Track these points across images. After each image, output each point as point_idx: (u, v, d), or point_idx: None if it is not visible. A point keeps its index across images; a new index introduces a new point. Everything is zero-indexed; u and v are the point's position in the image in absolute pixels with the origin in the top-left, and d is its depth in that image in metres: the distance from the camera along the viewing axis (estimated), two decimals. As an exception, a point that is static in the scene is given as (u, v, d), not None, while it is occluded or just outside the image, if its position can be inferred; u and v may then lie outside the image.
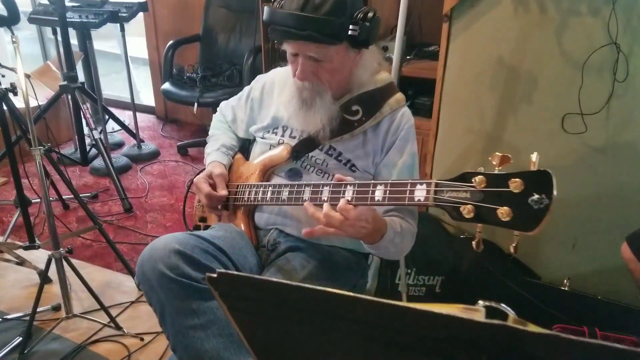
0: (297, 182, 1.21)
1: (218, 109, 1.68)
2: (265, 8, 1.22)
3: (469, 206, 0.86)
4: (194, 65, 3.55)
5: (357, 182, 1.09)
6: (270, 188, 1.28)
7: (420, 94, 2.42)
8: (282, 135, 1.40)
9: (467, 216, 0.86)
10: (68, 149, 3.55)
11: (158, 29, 4.02)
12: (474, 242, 0.90)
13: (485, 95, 1.96)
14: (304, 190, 1.17)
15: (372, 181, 1.06)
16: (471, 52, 1.93)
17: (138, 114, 3.67)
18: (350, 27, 1.16)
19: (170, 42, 3.51)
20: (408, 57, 2.52)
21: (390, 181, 1.03)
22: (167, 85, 3.39)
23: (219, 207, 1.43)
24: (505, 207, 0.83)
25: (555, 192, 0.80)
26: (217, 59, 3.50)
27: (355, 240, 1.31)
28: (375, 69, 1.34)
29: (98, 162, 3.29)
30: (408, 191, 0.99)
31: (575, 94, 1.79)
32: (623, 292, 1.89)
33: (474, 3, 1.83)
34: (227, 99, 1.69)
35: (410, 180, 1.00)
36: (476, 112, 2.00)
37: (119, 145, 3.74)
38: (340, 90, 1.31)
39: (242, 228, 1.39)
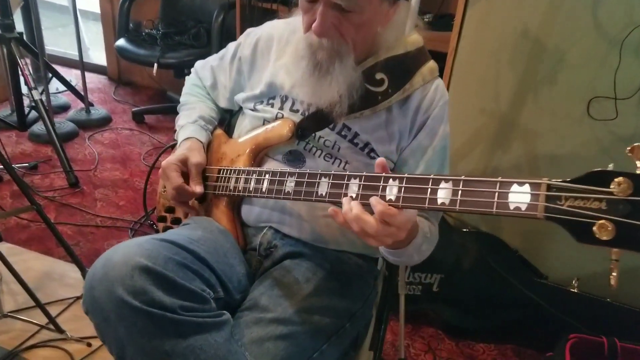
0: (305, 171, 0.91)
1: (193, 69, 1.35)
2: None
3: (607, 223, 0.59)
4: (153, 21, 3.14)
5: (364, 174, 0.83)
6: (268, 176, 0.98)
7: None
8: (281, 108, 1.09)
9: (602, 237, 0.58)
10: (3, 111, 3.08)
11: (112, -23, 3.55)
12: (611, 278, 0.62)
13: (503, 71, 1.71)
14: (319, 182, 0.87)
15: (435, 175, 0.75)
16: (491, 21, 1.67)
17: (87, 74, 3.24)
18: None
19: (126, -8, 3.08)
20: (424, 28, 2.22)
21: (464, 176, 0.72)
22: (122, 42, 2.97)
23: (190, 202, 1.13)
24: None
25: None
26: (181, 15, 3.09)
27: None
28: (407, 30, 1.05)
29: (38, 127, 2.86)
30: (498, 194, 0.67)
31: (606, 75, 1.57)
32: (635, 295, 1.73)
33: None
34: (192, 61, 1.36)
35: (499, 179, 0.68)
36: (491, 90, 1.75)
37: (64, 108, 3.30)
38: (363, 53, 1.01)
39: (226, 225, 1.09)
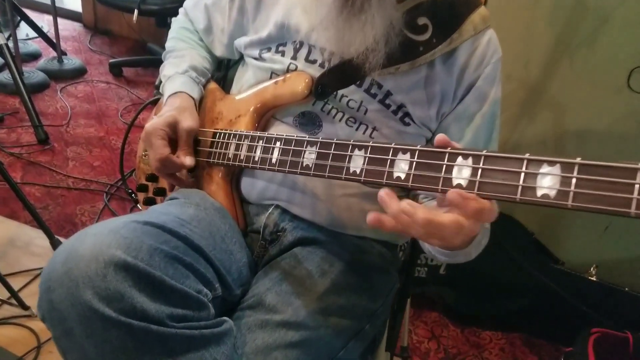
0: (330, 139, 0.71)
1: (181, 10, 1.12)
2: None
3: None
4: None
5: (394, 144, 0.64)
6: (279, 144, 0.77)
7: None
8: (294, 58, 0.88)
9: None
10: (-35, 55, 2.77)
11: None
12: None
13: (537, 31, 1.51)
14: (351, 156, 0.67)
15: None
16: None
17: (60, 20, 2.96)
18: None
19: None
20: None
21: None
22: (98, -16, 2.67)
23: (178, 174, 0.92)
24: None
25: None
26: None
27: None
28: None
29: (5, 76, 2.58)
30: (522, 175, 0.53)
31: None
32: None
33: None
34: (176, 8, 1.13)
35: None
36: (521, 54, 1.55)
37: (34, 56, 3.00)
38: None
39: (222, 202, 0.89)
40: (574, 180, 0.49)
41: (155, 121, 0.88)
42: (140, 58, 3.09)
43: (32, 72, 2.74)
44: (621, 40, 1.43)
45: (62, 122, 2.42)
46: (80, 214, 1.86)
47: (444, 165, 0.59)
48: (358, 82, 0.84)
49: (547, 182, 0.51)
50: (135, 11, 2.49)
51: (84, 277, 0.58)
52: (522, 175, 0.53)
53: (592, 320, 1.60)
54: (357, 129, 0.86)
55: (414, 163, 0.61)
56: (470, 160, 0.57)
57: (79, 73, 2.90)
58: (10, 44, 2.43)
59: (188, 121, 0.89)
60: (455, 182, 0.57)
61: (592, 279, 1.67)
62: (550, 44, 1.51)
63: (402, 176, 0.62)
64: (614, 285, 1.64)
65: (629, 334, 1.43)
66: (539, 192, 0.51)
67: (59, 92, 2.66)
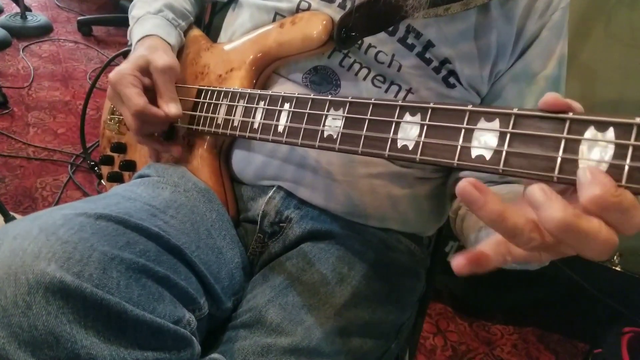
0: (359, 98, 0.50)
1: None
2: None
3: None
4: None
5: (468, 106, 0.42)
6: (287, 105, 0.56)
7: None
8: (306, -5, 0.66)
9: None
10: None
11: None
12: None
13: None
14: (398, 123, 0.47)
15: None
16: None
17: (24, -28, 2.64)
18: None
19: None
20: None
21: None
22: None
23: (158, 134, 0.71)
24: None
25: None
26: None
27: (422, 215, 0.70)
28: None
29: (-42, 30, 2.30)
30: (563, 143, 0.37)
31: None
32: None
33: None
34: None
35: (571, 115, 0.37)
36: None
37: (-6, 11, 2.71)
38: None
39: (208, 181, 0.68)
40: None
41: (120, 67, 0.66)
42: (112, 16, 2.82)
43: (-9, 29, 2.46)
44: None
45: (23, 84, 2.15)
46: (41, 187, 1.62)
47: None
48: (391, 29, 0.63)
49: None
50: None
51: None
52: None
53: (617, 316, 1.45)
54: (386, 90, 0.66)
55: (508, 134, 0.41)
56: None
57: (44, 31, 2.63)
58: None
59: (163, 58, 0.67)
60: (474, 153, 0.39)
61: (616, 268, 1.52)
62: (584, 3, 1.32)
63: (488, 155, 0.42)
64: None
65: None
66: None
67: (21, 51, 2.39)
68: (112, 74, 0.66)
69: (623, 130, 0.35)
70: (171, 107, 0.66)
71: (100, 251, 0.42)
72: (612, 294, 1.49)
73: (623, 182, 0.33)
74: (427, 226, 0.75)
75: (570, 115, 0.37)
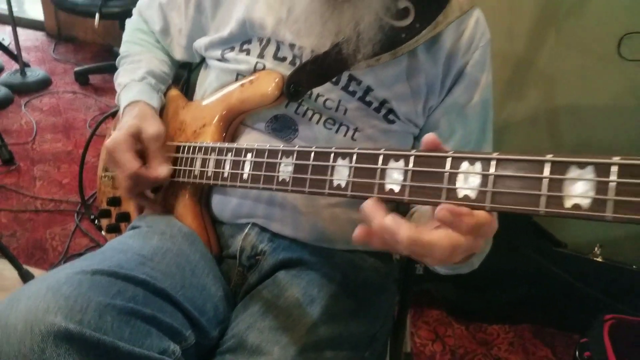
0: (308, 148, 0.60)
1: (135, 10, 1.00)
2: None
3: None
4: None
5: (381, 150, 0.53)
6: (250, 156, 0.66)
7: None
8: (261, 56, 0.77)
9: None
10: None
11: None
12: None
13: (521, 4, 1.41)
14: (334, 167, 0.57)
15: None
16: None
17: (21, 30, 2.80)
18: None
19: None
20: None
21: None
22: (56, -10, 2.52)
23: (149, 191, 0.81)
24: None
25: None
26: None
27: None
28: None
29: (-36, 94, 2.44)
30: (546, 183, 0.42)
31: (645, 5, 1.30)
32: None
33: None
34: None
35: (551, 157, 0.42)
36: (503, 28, 1.46)
37: (-5, 70, 2.84)
38: None
39: (191, 225, 0.78)
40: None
41: (115, 135, 0.76)
42: (107, 64, 2.93)
43: (-7, 88, 2.59)
44: (609, 6, 1.34)
45: (27, 139, 2.27)
46: (51, 238, 1.73)
47: (447, 174, 0.48)
48: (334, 79, 0.73)
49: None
50: (97, 15, 2.35)
51: (17, 356, 0.47)
52: (546, 182, 0.43)
53: (604, 305, 1.52)
54: (337, 131, 0.75)
55: (410, 172, 0.51)
56: (478, 166, 0.47)
57: (43, 85, 2.75)
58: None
59: (153, 126, 0.77)
60: (461, 193, 0.47)
61: (597, 259, 1.59)
62: (535, 15, 1.41)
63: (397, 188, 0.52)
64: (622, 264, 1.56)
65: None
66: (568, 203, 0.41)
67: (23, 107, 2.52)
68: (109, 142, 0.76)
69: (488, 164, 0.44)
70: (161, 170, 0.75)
71: (96, 301, 0.52)
72: (596, 284, 1.56)
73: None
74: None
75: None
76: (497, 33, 1.46)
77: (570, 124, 1.51)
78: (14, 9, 2.66)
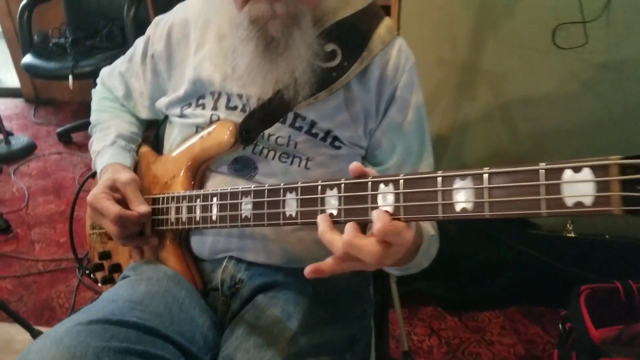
0: (262, 186, 0.70)
1: (98, 80, 1.10)
2: None
3: None
4: (60, 28, 2.80)
5: (320, 182, 0.63)
6: (216, 200, 0.76)
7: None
8: (215, 108, 0.87)
9: None
10: None
11: (3, -12, 3.16)
12: None
13: (457, 11, 1.52)
14: (284, 200, 0.66)
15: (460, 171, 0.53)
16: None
17: (1, 100, 2.88)
18: None
19: (23, 2, 2.71)
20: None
21: (485, 170, 0.50)
22: (29, 59, 2.64)
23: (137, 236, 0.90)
24: None
25: None
26: (89, 15, 2.75)
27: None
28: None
29: (-47, 172, 2.53)
30: (544, 188, 0.46)
31: (572, -1, 1.41)
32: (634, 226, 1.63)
33: None
34: (110, 63, 1.11)
35: (545, 166, 0.46)
36: (446, 37, 1.57)
37: (-20, 144, 2.94)
38: (316, 12, 0.80)
39: (175, 267, 0.87)
40: (486, 191, 0.49)
41: (93, 190, 0.86)
42: (87, 120, 2.98)
43: (-19, 161, 2.69)
44: (539, 1, 1.45)
45: (20, 205, 2.36)
46: (57, 296, 1.81)
47: (369, 195, 0.58)
48: (282, 119, 0.83)
49: (463, 197, 0.51)
50: (70, 77, 2.46)
51: None
52: (440, 193, 0.52)
53: (582, 278, 1.60)
54: (291, 163, 0.85)
55: (342, 197, 0.61)
56: (391, 186, 0.56)
57: (29, 150, 2.85)
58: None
59: (125, 175, 0.87)
60: (383, 209, 0.57)
61: (570, 235, 1.68)
62: (472, 21, 1.52)
63: (335, 212, 0.61)
64: (594, 235, 1.65)
65: (617, 284, 1.44)
66: (458, 207, 0.51)
67: (12, 175, 2.61)
68: (89, 197, 0.86)
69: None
70: (141, 208, 0.84)
71: (93, 346, 0.61)
72: (572, 258, 1.65)
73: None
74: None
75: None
76: (441, 43, 1.58)
77: (522, 114, 1.61)
78: (-10, 81, 2.77)
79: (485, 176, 0.49)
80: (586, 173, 0.44)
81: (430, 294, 1.77)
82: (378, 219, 0.54)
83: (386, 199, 0.56)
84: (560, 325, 1.47)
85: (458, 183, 0.51)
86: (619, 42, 1.46)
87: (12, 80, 3.63)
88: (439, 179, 0.52)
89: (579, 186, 0.44)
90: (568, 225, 1.68)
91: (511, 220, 1.73)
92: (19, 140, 2.90)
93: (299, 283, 0.85)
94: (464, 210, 0.51)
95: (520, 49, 1.52)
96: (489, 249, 1.72)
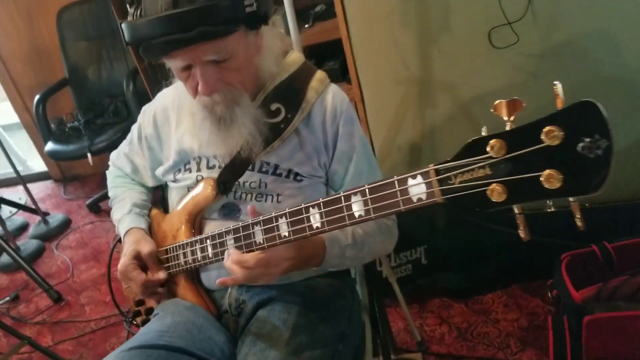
0: (237, 224, 0.92)
1: (110, 162, 1.35)
2: (123, 25, 0.89)
3: (497, 186, 0.61)
4: (72, 113, 3.11)
5: (320, 200, 0.81)
6: (208, 242, 0.99)
7: (324, 59, 2.14)
8: (198, 170, 1.09)
9: (498, 200, 0.61)
10: (-34, 256, 3.03)
11: (19, 86, 3.51)
12: (520, 232, 0.67)
13: (400, 37, 1.72)
14: (253, 232, 0.89)
15: (344, 192, 0.77)
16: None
17: (32, 185, 3.21)
18: (246, 1, 0.86)
19: (37, 96, 3.04)
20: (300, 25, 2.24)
21: (368, 185, 0.74)
22: (50, 146, 2.94)
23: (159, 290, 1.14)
24: (548, 171, 0.58)
25: (609, 126, 0.55)
26: (94, 97, 3.07)
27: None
28: (281, 51, 1.06)
29: (5, 258, 2.81)
30: (398, 192, 0.70)
31: (493, 5, 1.59)
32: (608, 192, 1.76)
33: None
34: (121, 137, 1.35)
35: (395, 178, 0.69)
36: (397, 59, 1.76)
37: (23, 228, 3.27)
38: (254, 88, 1.02)
39: (192, 299, 1.09)
40: (369, 201, 0.70)
41: (123, 261, 1.11)
42: (111, 189, 3.33)
43: (26, 243, 2.98)
44: (470, 10, 1.63)
45: (66, 275, 2.64)
46: (111, 348, 2.06)
47: (344, 206, 0.77)
48: (250, 167, 1.05)
49: (357, 207, 0.71)
50: (89, 155, 2.75)
51: None
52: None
53: (567, 247, 1.72)
54: (265, 201, 1.06)
55: (324, 213, 0.80)
56: (359, 196, 0.75)
57: (65, 225, 3.14)
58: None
59: (146, 247, 1.11)
60: (356, 214, 0.75)
61: (550, 210, 1.82)
62: (415, 42, 1.71)
63: (319, 225, 0.80)
64: (568, 207, 1.79)
65: (594, 247, 1.57)
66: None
67: (55, 250, 2.90)
68: (119, 267, 1.12)
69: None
70: (160, 274, 1.10)
71: None
72: (556, 231, 1.77)
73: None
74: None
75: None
76: (394, 66, 1.79)
77: (479, 110, 1.79)
78: (20, 168, 3.08)
79: (367, 191, 0.72)
80: (419, 179, 0.65)
81: (436, 286, 1.92)
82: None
83: (359, 205, 0.75)
84: (549, 294, 1.62)
85: (353, 198, 0.72)
86: (549, 32, 1.63)
87: (39, 165, 3.96)
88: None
89: (416, 188, 0.65)
90: (548, 200, 1.83)
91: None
92: (55, 218, 3.20)
93: (290, 295, 1.06)
94: (360, 216, 0.72)
95: (464, 55, 1.71)
96: (482, 236, 1.83)
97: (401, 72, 1.77)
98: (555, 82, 0.62)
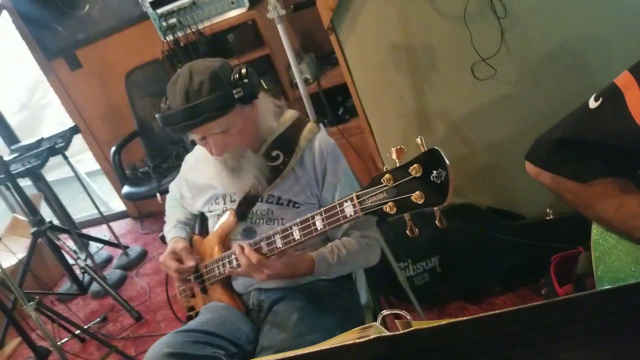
0: (254, 240, 1.29)
1: (169, 188, 1.75)
2: (157, 116, 1.30)
3: (390, 203, 0.93)
4: (143, 159, 3.62)
5: (298, 220, 1.16)
6: (234, 256, 1.34)
7: (349, 96, 2.47)
8: (225, 203, 1.46)
9: (392, 212, 0.93)
10: (65, 285, 3.59)
11: (98, 140, 4.09)
12: (408, 231, 0.97)
13: (396, 80, 2.03)
14: (261, 246, 1.25)
15: (310, 214, 1.13)
16: (365, 49, 2.01)
17: (114, 223, 3.70)
18: (234, 91, 1.23)
19: (113, 148, 3.57)
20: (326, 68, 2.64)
21: (322, 209, 1.10)
22: (126, 189, 3.44)
23: (197, 288, 1.51)
24: (416, 192, 0.90)
25: (447, 162, 0.88)
26: (160, 144, 3.58)
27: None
28: (276, 111, 1.41)
29: (95, 286, 3.33)
30: (339, 212, 1.06)
31: (467, 46, 1.85)
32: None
33: (347, 7, 1.91)
34: None
35: (336, 202, 1.07)
36: (396, 97, 2.06)
37: (108, 260, 3.78)
38: (257, 143, 1.38)
39: (226, 301, 1.45)
40: (324, 218, 1.06)
41: (163, 255, 1.50)
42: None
43: (112, 272, 3.49)
44: (450, 54, 1.91)
45: (145, 298, 3.10)
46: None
47: (339, 211, 1.09)
48: (260, 199, 1.40)
49: (319, 223, 1.05)
50: (158, 194, 3.22)
51: None
52: (339, 211, 1.06)
53: (562, 249, 1.87)
54: (273, 224, 1.41)
55: (300, 229, 1.15)
56: (349, 202, 1.07)
57: (142, 256, 3.62)
58: (89, 262, 3.21)
59: (180, 244, 1.50)
60: (347, 215, 1.06)
61: (550, 218, 1.97)
62: (409, 82, 2.00)
63: (321, 227, 1.13)
64: (568, 214, 1.94)
65: (580, 248, 1.74)
66: (348, 215, 1.04)
67: (135, 277, 3.38)
68: (160, 259, 1.50)
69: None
70: (190, 262, 1.46)
71: (180, 341, 1.23)
72: (554, 237, 1.90)
73: (361, 213, 1.08)
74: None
75: (337, 201, 1.12)
76: (393, 101, 2.12)
77: (474, 133, 2.04)
78: (103, 209, 3.61)
79: (323, 212, 1.06)
80: (349, 202, 1.01)
81: (451, 292, 2.15)
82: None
83: (350, 209, 1.07)
84: (542, 291, 1.81)
85: (316, 218, 1.06)
86: (524, 61, 1.88)
87: (119, 205, 4.54)
88: (337, 205, 1.06)
89: (348, 208, 1.03)
90: (548, 210, 2.00)
91: (497, 217, 2.08)
92: (134, 250, 3.70)
93: (297, 293, 1.39)
94: (321, 228, 1.07)
95: (453, 88, 1.98)
96: (489, 245, 2.04)
97: (400, 108, 2.07)
98: (418, 138, 0.92)
